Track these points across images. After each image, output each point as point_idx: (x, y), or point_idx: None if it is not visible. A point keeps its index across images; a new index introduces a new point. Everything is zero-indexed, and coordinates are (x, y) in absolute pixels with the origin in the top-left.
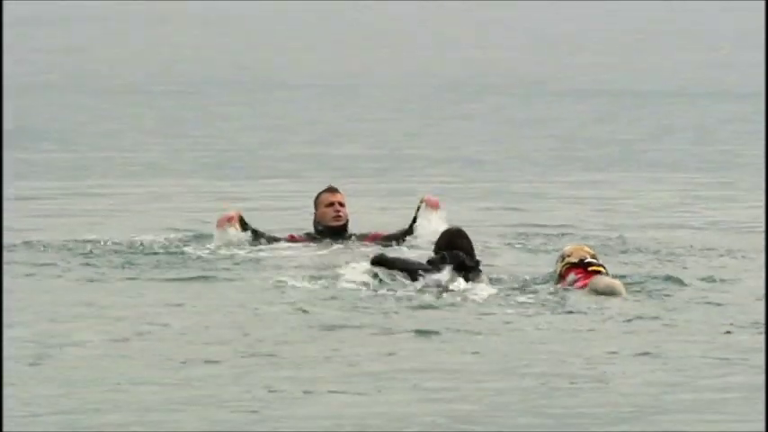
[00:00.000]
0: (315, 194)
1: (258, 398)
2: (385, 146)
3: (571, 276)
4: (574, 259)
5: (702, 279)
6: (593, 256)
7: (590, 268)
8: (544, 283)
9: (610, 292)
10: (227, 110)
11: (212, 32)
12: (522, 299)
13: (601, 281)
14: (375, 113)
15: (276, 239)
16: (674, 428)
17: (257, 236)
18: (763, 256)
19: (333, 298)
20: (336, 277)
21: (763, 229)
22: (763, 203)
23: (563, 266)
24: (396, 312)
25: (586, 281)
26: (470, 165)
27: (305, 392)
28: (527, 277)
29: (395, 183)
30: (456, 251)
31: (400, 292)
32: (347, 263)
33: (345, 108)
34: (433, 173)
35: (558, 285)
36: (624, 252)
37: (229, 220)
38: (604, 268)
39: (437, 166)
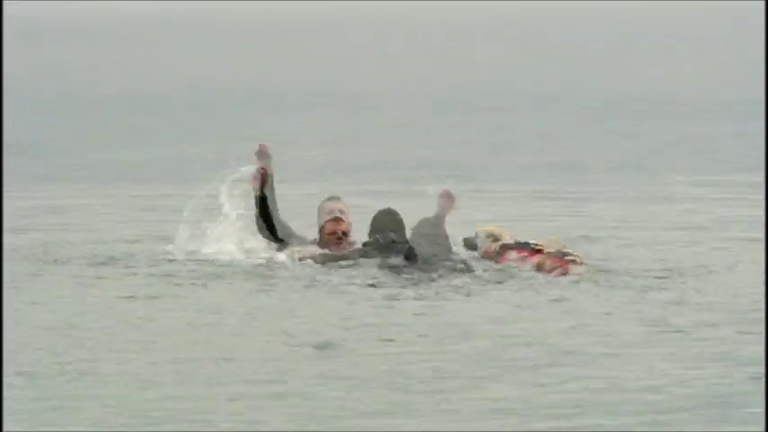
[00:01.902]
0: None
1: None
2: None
3: (512, 254)
4: (509, 240)
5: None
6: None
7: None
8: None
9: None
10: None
11: (219, 44)
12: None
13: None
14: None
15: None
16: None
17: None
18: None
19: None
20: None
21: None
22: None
23: (498, 246)
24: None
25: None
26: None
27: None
28: (459, 256)
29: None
30: (387, 232)
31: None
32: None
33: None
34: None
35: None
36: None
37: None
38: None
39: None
